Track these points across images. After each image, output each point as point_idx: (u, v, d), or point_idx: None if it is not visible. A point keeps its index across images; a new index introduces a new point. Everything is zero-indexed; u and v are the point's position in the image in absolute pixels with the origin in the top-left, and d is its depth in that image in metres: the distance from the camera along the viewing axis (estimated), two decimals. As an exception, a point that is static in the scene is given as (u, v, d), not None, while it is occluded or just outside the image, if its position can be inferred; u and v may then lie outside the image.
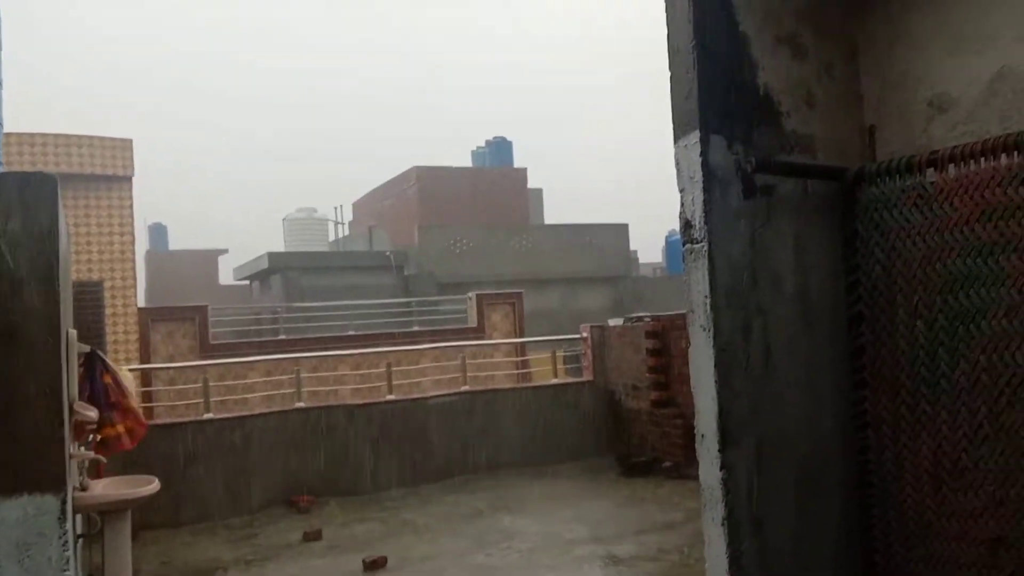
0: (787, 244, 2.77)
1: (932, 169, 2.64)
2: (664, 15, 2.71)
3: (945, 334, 2.66)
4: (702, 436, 2.65)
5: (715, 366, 2.58)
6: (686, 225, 2.65)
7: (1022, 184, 2.45)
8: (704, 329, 2.61)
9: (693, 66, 2.60)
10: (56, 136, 13.99)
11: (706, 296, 2.59)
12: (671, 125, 2.70)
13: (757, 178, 2.68)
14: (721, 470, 2.58)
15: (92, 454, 5.39)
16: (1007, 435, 2.52)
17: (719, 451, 2.58)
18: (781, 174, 2.75)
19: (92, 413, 5.38)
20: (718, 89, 2.63)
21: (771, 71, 2.77)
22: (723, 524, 2.58)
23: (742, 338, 2.63)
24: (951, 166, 2.59)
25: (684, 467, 8.63)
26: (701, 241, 2.59)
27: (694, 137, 2.60)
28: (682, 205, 2.66)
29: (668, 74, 2.70)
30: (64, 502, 4.04)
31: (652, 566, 5.98)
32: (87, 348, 5.76)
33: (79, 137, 14.18)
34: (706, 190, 2.58)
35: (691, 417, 2.75)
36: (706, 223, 2.57)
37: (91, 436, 5.91)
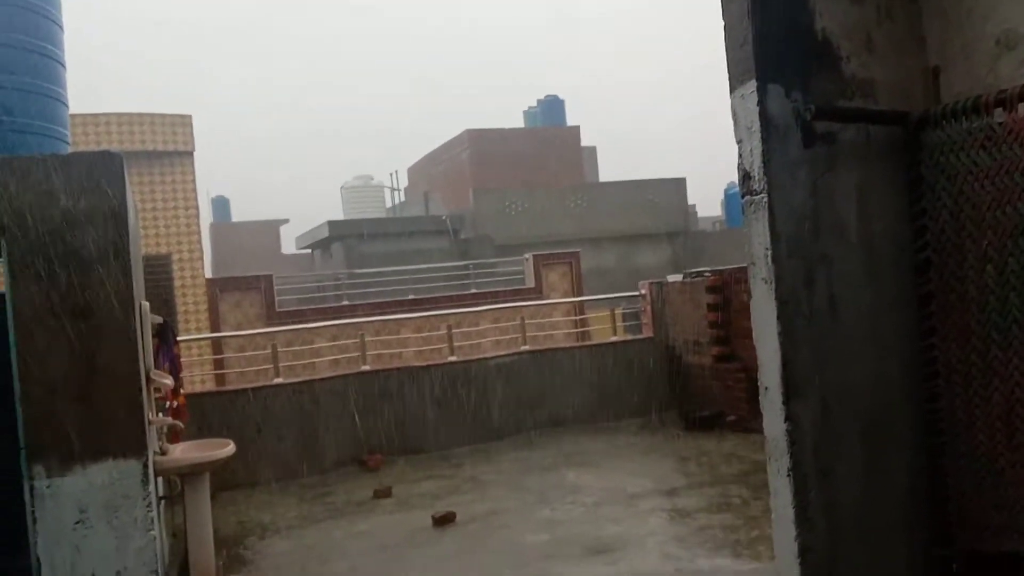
0: (850, 192, 2.72)
1: (1000, 109, 2.55)
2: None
3: (1016, 278, 2.59)
4: (766, 389, 2.64)
5: (777, 318, 2.56)
6: (745, 177, 2.62)
7: (1097, 120, 2.36)
8: (766, 281, 2.59)
9: (748, 13, 2.55)
10: (119, 115, 14.33)
11: (767, 248, 2.56)
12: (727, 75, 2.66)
13: (817, 126, 2.63)
14: (786, 422, 2.58)
15: (170, 419, 5.61)
16: (1083, 380, 2.46)
17: (783, 403, 2.57)
18: (842, 121, 2.69)
19: (168, 381, 5.57)
20: (774, 36, 2.58)
21: (829, 16, 2.70)
22: (789, 475, 2.58)
23: (805, 289, 2.61)
24: (1020, 105, 2.50)
25: (748, 421, 8.58)
26: (761, 192, 2.56)
27: (751, 87, 2.56)
28: (740, 156, 2.63)
29: (722, 23, 2.66)
30: (146, 465, 4.23)
31: (718, 518, 5.99)
32: (159, 319, 5.95)
33: (140, 115, 14.50)
34: (764, 140, 2.54)
35: (754, 371, 2.75)
36: (765, 174, 2.54)
37: (168, 403, 6.14)
